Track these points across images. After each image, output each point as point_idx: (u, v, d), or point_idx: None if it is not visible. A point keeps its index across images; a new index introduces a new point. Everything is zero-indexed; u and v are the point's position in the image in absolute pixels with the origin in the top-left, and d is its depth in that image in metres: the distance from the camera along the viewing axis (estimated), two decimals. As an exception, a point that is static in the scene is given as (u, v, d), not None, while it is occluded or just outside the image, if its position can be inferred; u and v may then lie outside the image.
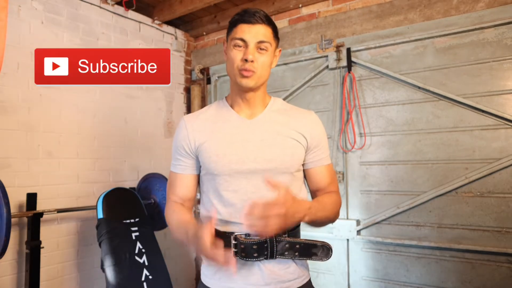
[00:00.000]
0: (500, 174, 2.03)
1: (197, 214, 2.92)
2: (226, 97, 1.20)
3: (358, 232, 2.43)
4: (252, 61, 1.04)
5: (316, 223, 1.06)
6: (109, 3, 2.66)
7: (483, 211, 2.07)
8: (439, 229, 2.18)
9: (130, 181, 2.78)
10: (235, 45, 1.06)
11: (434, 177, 2.21)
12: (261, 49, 1.05)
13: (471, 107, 2.11)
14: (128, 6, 2.77)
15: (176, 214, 1.10)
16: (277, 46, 1.13)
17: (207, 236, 0.88)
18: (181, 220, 1.07)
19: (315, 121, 1.16)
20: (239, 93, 1.12)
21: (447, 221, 2.16)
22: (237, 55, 1.06)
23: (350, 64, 2.49)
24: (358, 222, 2.43)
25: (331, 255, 1.03)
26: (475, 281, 2.08)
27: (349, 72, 2.49)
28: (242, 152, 1.06)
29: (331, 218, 1.10)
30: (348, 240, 2.46)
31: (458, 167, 2.14)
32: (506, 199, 2.01)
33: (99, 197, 2.29)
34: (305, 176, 1.18)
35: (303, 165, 1.14)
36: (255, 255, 1.00)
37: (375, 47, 2.42)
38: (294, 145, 1.09)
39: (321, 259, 1.03)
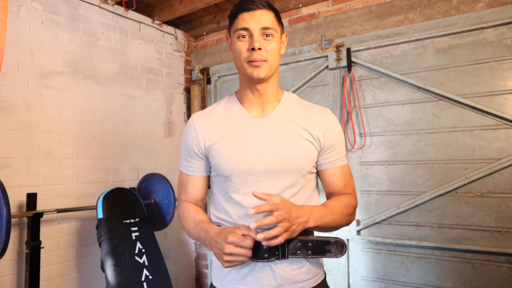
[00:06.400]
0: (500, 174, 2.03)
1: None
2: (235, 92, 1.14)
3: (358, 232, 2.43)
4: (260, 49, 0.98)
5: (324, 227, 1.01)
6: (109, 3, 2.66)
7: (483, 211, 2.07)
8: (439, 229, 2.18)
9: (130, 181, 2.78)
10: (238, 37, 1.00)
11: (434, 177, 2.21)
12: (266, 35, 0.99)
13: (471, 107, 2.11)
14: (128, 6, 2.77)
15: (192, 214, 1.09)
16: (282, 32, 1.07)
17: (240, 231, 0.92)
18: (198, 220, 1.06)
19: (330, 120, 1.09)
20: (249, 86, 1.05)
21: (447, 221, 2.16)
22: (242, 46, 1.00)
23: (350, 64, 2.49)
24: (358, 222, 2.43)
25: (346, 251, 0.99)
26: (475, 281, 2.08)
27: (349, 72, 2.49)
28: (253, 153, 1.02)
29: (341, 222, 1.05)
30: (348, 240, 2.46)
31: (458, 167, 2.14)
32: (506, 199, 2.01)
33: (99, 197, 2.29)
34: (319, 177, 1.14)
35: (316, 166, 1.10)
36: (266, 255, 0.97)
37: (375, 47, 2.42)
38: (306, 146, 1.04)
39: (335, 256, 0.99)
